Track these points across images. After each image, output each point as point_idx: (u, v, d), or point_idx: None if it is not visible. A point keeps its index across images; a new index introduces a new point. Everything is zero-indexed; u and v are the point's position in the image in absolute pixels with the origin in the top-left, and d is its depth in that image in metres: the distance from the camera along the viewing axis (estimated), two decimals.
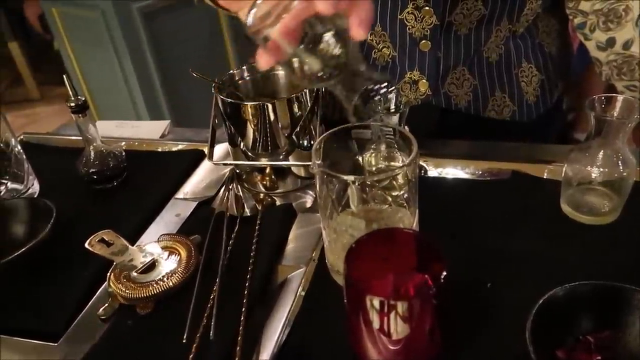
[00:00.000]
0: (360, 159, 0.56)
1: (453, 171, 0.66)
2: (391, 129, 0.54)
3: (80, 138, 0.69)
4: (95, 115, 2.08)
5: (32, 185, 0.70)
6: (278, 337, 0.47)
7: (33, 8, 2.62)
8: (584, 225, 0.56)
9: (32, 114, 2.88)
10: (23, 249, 0.55)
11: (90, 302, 0.54)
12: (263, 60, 0.41)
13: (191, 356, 0.46)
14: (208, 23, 1.93)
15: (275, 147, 0.64)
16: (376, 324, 0.39)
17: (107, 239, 0.55)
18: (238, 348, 0.46)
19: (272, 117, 0.62)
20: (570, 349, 0.42)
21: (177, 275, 0.53)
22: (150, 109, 1.91)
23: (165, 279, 0.52)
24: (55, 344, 0.50)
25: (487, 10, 0.65)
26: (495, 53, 0.70)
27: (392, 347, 0.40)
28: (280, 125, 0.63)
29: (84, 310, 0.53)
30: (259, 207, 0.64)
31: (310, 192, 0.67)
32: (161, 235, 0.58)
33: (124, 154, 0.71)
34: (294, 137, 0.64)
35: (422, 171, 0.67)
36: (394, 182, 0.48)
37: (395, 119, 0.57)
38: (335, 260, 0.51)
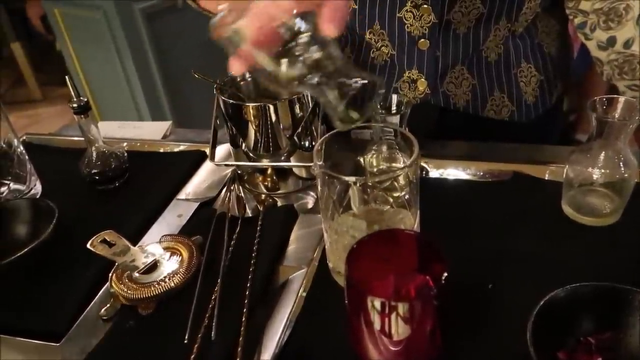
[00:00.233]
0: (361, 160, 0.56)
1: (454, 172, 0.66)
2: (392, 130, 0.54)
3: (83, 139, 0.69)
4: (97, 116, 2.09)
5: (35, 185, 0.70)
6: (279, 338, 0.48)
7: (35, 9, 2.63)
8: (585, 226, 0.56)
9: (34, 114, 2.88)
10: (25, 250, 0.55)
11: (92, 303, 0.54)
12: (235, 67, 0.38)
13: (192, 356, 0.46)
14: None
15: (277, 148, 0.64)
16: (377, 325, 0.39)
17: (109, 240, 0.56)
18: (239, 348, 0.46)
19: (273, 118, 0.62)
20: (571, 350, 0.42)
21: (178, 275, 0.53)
22: (152, 110, 1.91)
23: (166, 279, 0.53)
24: (57, 344, 0.50)
25: (486, 9, 0.65)
26: (495, 53, 0.70)
27: (393, 348, 0.40)
28: (281, 126, 0.63)
29: (85, 311, 0.53)
30: (261, 208, 0.65)
31: (312, 193, 0.67)
32: (163, 235, 0.59)
33: (126, 154, 0.72)
34: (295, 138, 0.64)
35: (424, 172, 0.67)
36: (395, 183, 0.49)
37: (395, 120, 0.57)
38: (337, 261, 0.51)
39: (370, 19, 0.68)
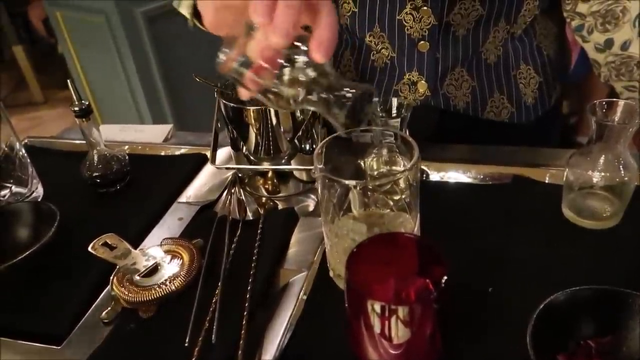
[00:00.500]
0: (361, 163, 0.56)
1: (454, 175, 0.66)
2: (392, 134, 0.54)
3: (84, 142, 0.69)
4: (99, 119, 2.09)
5: (36, 188, 0.70)
6: (280, 341, 0.48)
7: (37, 12, 2.64)
8: (585, 229, 0.56)
9: (36, 117, 2.89)
10: (27, 252, 0.55)
11: (93, 306, 0.54)
12: (243, 93, 0.43)
13: (193, 359, 0.46)
14: None
15: (278, 151, 0.65)
16: (377, 328, 0.39)
17: (110, 243, 0.56)
18: (240, 351, 0.46)
19: (274, 121, 0.62)
20: (571, 353, 0.42)
21: (179, 278, 0.53)
22: (154, 113, 1.91)
23: (167, 282, 0.53)
24: (59, 347, 0.50)
25: (485, 11, 0.65)
26: (494, 54, 0.70)
27: (393, 352, 0.40)
28: (282, 130, 0.63)
29: (87, 314, 0.53)
30: (261, 211, 0.65)
31: (312, 196, 0.67)
32: (164, 239, 0.59)
33: (127, 157, 0.72)
34: (296, 141, 0.65)
35: (424, 175, 0.67)
36: (396, 187, 0.49)
37: (396, 123, 0.58)
38: (337, 264, 0.51)
39: (370, 21, 0.69)
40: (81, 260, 0.56)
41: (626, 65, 0.64)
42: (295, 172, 0.67)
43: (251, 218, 0.64)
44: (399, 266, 0.44)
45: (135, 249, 0.57)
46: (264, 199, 0.68)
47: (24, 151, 0.70)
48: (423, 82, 0.70)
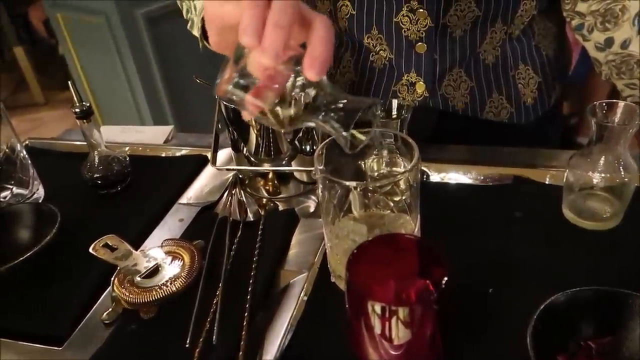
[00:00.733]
0: (362, 164, 0.56)
1: (455, 176, 0.67)
2: (392, 135, 0.54)
3: (85, 143, 0.69)
4: (99, 120, 2.09)
5: (37, 190, 0.70)
6: (280, 342, 0.48)
7: (37, 13, 2.64)
8: (585, 230, 0.56)
9: (37, 118, 2.89)
10: (28, 254, 0.55)
11: (95, 307, 0.54)
12: (246, 115, 0.42)
13: None
14: None
15: (278, 152, 0.65)
16: (378, 329, 0.39)
17: (111, 244, 0.56)
18: (241, 352, 0.46)
19: None
20: (572, 354, 0.42)
21: (180, 280, 0.53)
22: (154, 114, 1.91)
23: (168, 283, 0.53)
24: (60, 348, 0.50)
25: (481, 12, 0.65)
26: (492, 55, 0.70)
27: (393, 352, 0.40)
28: (282, 131, 0.63)
29: (88, 315, 0.53)
30: (262, 212, 0.65)
31: (313, 197, 0.67)
32: (165, 240, 0.59)
33: (127, 159, 0.72)
34: (296, 142, 0.65)
35: (424, 176, 0.67)
36: (396, 188, 0.49)
37: (396, 124, 0.58)
38: (337, 265, 0.51)
39: (368, 24, 0.69)
40: (82, 262, 0.56)
41: (626, 63, 0.65)
42: (295, 173, 0.68)
43: (252, 219, 0.64)
44: (400, 267, 0.44)
45: (136, 250, 0.57)
46: (264, 200, 0.68)
47: (25, 152, 0.70)
48: (421, 83, 0.70)
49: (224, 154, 0.74)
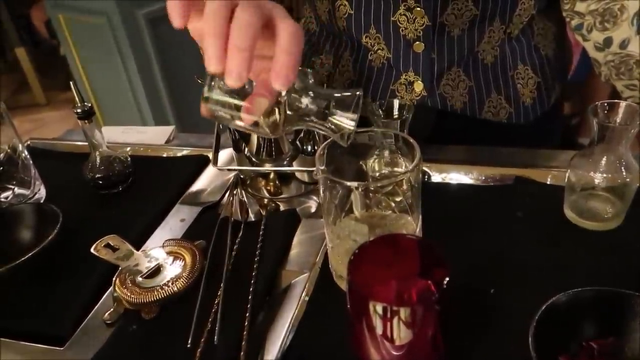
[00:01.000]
0: (363, 164, 0.57)
1: (456, 177, 0.67)
2: (393, 135, 0.54)
3: (86, 144, 0.70)
4: (101, 120, 2.09)
5: (39, 190, 0.70)
6: (282, 342, 0.48)
7: (39, 14, 2.64)
8: (587, 231, 0.56)
9: (38, 119, 2.90)
10: (30, 254, 0.55)
11: (96, 307, 0.54)
12: (246, 119, 0.43)
13: None
14: None
15: (279, 152, 0.65)
16: (379, 330, 0.39)
17: (112, 244, 0.56)
18: (242, 353, 0.46)
19: None
20: (574, 355, 0.42)
21: (181, 280, 0.53)
22: (155, 115, 1.92)
23: (170, 283, 0.53)
24: (61, 348, 0.50)
25: (479, 11, 0.65)
26: (491, 55, 0.70)
27: (394, 353, 0.40)
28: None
29: (89, 315, 0.53)
30: (263, 213, 0.65)
31: (314, 198, 0.67)
32: (166, 240, 0.59)
33: (129, 159, 0.72)
34: (297, 142, 0.65)
35: (425, 177, 0.67)
36: (397, 188, 0.49)
37: (397, 125, 0.58)
38: (339, 265, 0.51)
39: (366, 23, 0.69)
40: (84, 262, 0.57)
41: (625, 64, 0.64)
42: (297, 174, 0.68)
43: (253, 219, 0.64)
44: (401, 267, 0.44)
45: (138, 250, 0.57)
46: (265, 200, 0.68)
47: (26, 153, 0.70)
48: (419, 82, 0.70)
49: (226, 154, 0.74)
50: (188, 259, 0.56)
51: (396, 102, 0.59)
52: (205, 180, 0.73)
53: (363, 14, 0.69)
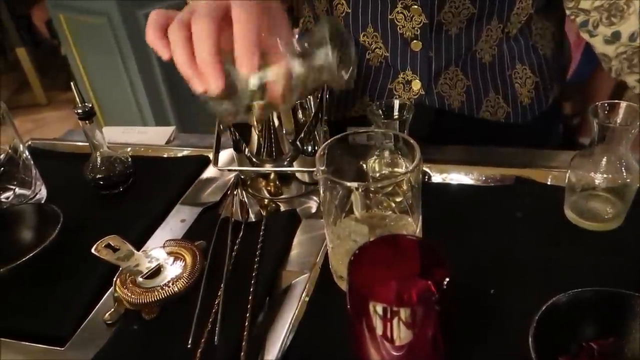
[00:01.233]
0: (363, 165, 0.57)
1: (456, 177, 0.67)
2: (392, 136, 0.54)
3: (87, 144, 0.70)
4: (102, 121, 2.09)
5: (40, 190, 0.70)
6: (282, 342, 0.48)
7: (40, 14, 2.65)
8: (587, 231, 0.56)
9: (39, 119, 2.90)
10: (31, 254, 0.55)
11: (97, 307, 0.54)
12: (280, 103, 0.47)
13: None
14: None
15: (280, 153, 0.65)
16: (379, 330, 0.39)
17: (113, 244, 0.56)
18: (242, 353, 0.46)
19: (276, 123, 0.62)
20: (574, 355, 0.42)
21: (182, 280, 0.53)
22: (156, 115, 1.92)
23: (170, 284, 0.53)
24: (62, 349, 0.50)
25: (476, 9, 0.65)
26: (489, 54, 0.70)
27: (395, 353, 0.40)
28: (284, 132, 0.63)
29: (90, 315, 0.53)
30: (264, 213, 0.65)
31: (315, 198, 0.67)
32: (166, 240, 0.59)
33: (130, 159, 0.72)
34: (298, 143, 0.65)
35: (426, 177, 0.67)
36: (398, 188, 0.49)
37: (397, 125, 0.58)
38: (339, 265, 0.51)
39: (363, 21, 0.69)
40: (84, 262, 0.57)
41: (638, 55, 0.62)
42: (297, 174, 0.68)
43: (253, 220, 0.64)
44: (401, 268, 0.44)
45: (138, 250, 0.57)
46: (266, 200, 0.68)
47: (27, 153, 0.70)
48: (417, 81, 0.70)
49: (226, 154, 0.74)
50: (188, 259, 0.56)
51: (396, 103, 0.59)
52: (206, 181, 0.73)
53: (360, 13, 0.69)
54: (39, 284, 0.57)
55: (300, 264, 0.57)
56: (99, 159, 0.70)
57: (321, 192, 0.48)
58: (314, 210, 0.65)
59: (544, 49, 0.74)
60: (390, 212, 0.51)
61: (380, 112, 0.59)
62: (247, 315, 0.50)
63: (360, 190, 0.48)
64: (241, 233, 0.61)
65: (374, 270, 0.43)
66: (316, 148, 0.66)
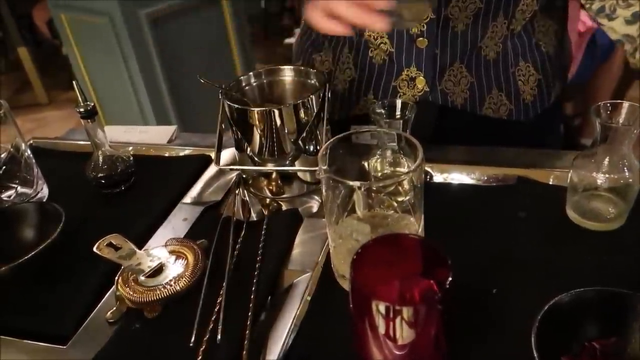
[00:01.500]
0: (366, 164, 0.57)
1: (458, 177, 0.67)
2: (395, 135, 0.54)
3: (89, 143, 0.70)
4: (103, 120, 2.10)
5: (42, 189, 0.71)
6: (284, 341, 0.48)
7: (42, 13, 2.65)
8: (589, 231, 0.56)
9: (41, 118, 2.90)
10: (32, 253, 0.55)
11: (99, 306, 0.54)
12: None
13: (198, 359, 0.46)
14: (215, 29, 1.94)
15: (282, 152, 0.65)
16: (381, 329, 0.39)
17: (115, 243, 0.56)
18: (244, 352, 0.46)
19: (278, 122, 0.62)
20: (576, 355, 0.42)
21: (184, 279, 0.53)
22: (158, 114, 1.92)
23: (172, 283, 0.53)
24: (64, 347, 0.50)
25: (483, 4, 0.65)
26: (493, 51, 0.70)
27: (397, 352, 0.40)
28: (286, 131, 0.63)
29: (92, 314, 0.53)
30: (265, 212, 0.65)
31: (316, 197, 0.67)
32: (168, 239, 0.59)
33: (131, 158, 0.72)
34: (300, 142, 0.65)
35: (428, 177, 0.67)
36: (400, 188, 0.49)
37: (399, 125, 0.58)
38: (341, 265, 0.51)
39: None
40: (86, 261, 0.57)
41: None
42: (299, 173, 0.68)
43: (255, 219, 0.64)
44: (404, 267, 0.44)
45: (140, 249, 0.57)
46: (268, 200, 0.68)
47: (29, 152, 0.70)
48: (421, 77, 0.70)
49: (228, 153, 0.74)
50: (190, 258, 0.56)
51: (399, 102, 0.59)
52: (208, 180, 0.73)
53: None
54: (40, 282, 0.57)
55: (302, 263, 0.57)
56: (100, 158, 0.70)
57: (323, 191, 0.49)
58: (315, 209, 0.65)
59: (547, 46, 0.74)
60: (393, 211, 0.51)
61: (383, 111, 0.59)
62: (249, 314, 0.50)
63: (362, 189, 0.48)
64: (243, 232, 0.61)
65: (376, 269, 0.43)
66: (318, 147, 0.66)
